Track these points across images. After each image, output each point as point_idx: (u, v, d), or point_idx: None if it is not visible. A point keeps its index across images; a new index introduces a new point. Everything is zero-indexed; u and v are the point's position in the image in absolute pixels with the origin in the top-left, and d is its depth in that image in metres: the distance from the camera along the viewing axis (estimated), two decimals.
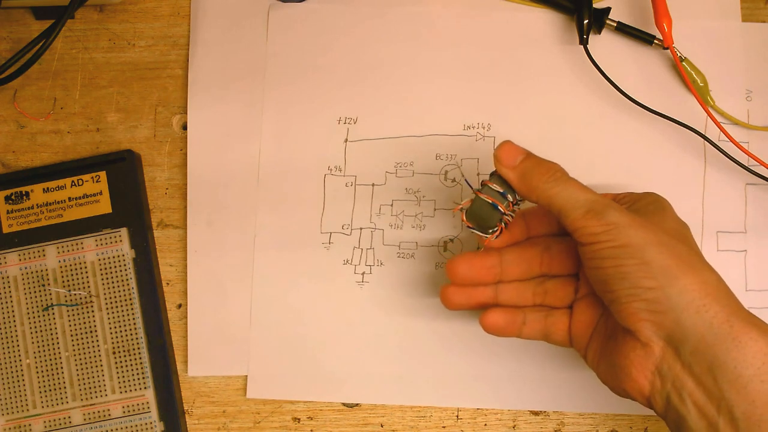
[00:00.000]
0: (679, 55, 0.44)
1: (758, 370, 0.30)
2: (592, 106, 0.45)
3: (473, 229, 0.37)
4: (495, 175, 0.37)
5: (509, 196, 0.36)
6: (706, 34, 0.46)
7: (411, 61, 0.46)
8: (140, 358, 0.43)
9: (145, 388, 0.42)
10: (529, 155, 0.36)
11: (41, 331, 0.43)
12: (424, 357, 0.44)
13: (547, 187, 0.34)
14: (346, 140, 0.45)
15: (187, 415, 0.44)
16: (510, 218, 0.37)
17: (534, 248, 0.39)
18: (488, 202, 0.36)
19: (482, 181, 0.37)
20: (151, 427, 0.42)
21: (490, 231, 0.37)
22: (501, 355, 0.44)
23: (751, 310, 0.44)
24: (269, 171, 0.45)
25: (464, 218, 0.37)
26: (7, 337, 0.43)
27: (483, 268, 0.38)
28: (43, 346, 0.43)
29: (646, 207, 0.36)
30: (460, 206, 0.37)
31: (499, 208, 0.36)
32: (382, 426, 0.44)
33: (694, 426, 0.32)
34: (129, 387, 0.42)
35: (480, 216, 0.37)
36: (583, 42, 0.44)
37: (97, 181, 0.44)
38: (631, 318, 0.33)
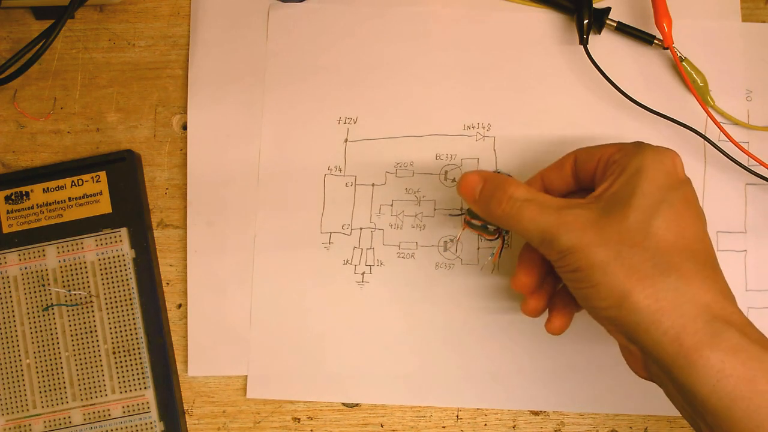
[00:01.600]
0: (679, 55, 0.44)
1: (713, 388, 0.29)
2: (592, 106, 0.45)
3: (488, 239, 0.40)
4: (470, 210, 0.39)
5: (490, 226, 0.38)
6: (706, 34, 0.46)
7: (411, 61, 0.46)
8: (140, 358, 0.43)
9: (145, 388, 0.42)
10: (485, 184, 0.36)
11: (41, 331, 0.43)
12: (424, 357, 0.44)
13: (505, 221, 0.35)
14: (346, 140, 0.45)
15: (187, 415, 0.44)
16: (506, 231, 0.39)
17: None
18: (478, 226, 0.39)
19: (464, 216, 0.39)
20: (151, 427, 0.42)
21: (497, 244, 0.39)
22: (501, 355, 0.44)
23: (751, 310, 0.44)
24: (269, 171, 0.45)
25: (475, 231, 0.40)
26: (7, 337, 0.43)
27: (534, 267, 0.38)
28: (43, 346, 0.43)
29: (621, 190, 0.33)
30: (461, 231, 0.41)
31: (487, 237, 0.39)
32: (382, 426, 0.44)
33: (683, 415, 0.33)
34: (129, 387, 0.42)
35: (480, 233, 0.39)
36: (583, 42, 0.44)
37: (97, 181, 0.44)
38: (606, 328, 0.34)
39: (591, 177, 0.37)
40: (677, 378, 0.31)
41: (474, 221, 0.38)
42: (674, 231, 0.32)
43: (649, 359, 0.33)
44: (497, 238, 0.39)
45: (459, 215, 0.40)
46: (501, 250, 0.39)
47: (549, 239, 0.33)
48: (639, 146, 0.35)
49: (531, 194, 0.34)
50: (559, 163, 0.39)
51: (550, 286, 0.39)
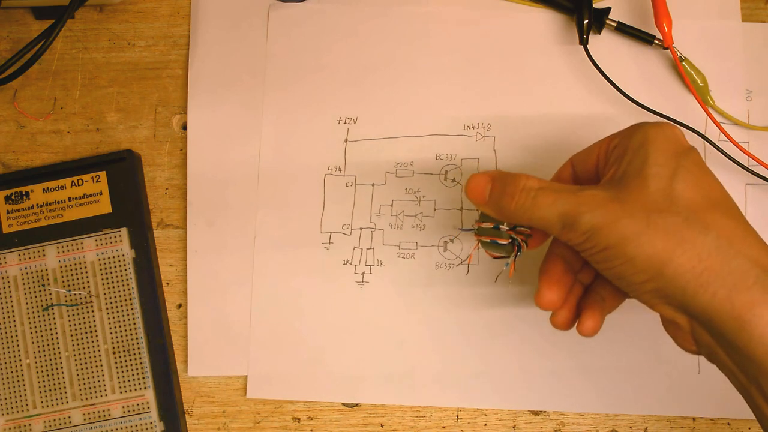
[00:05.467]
0: (679, 55, 0.44)
1: None
2: (592, 106, 0.45)
3: (500, 257, 0.37)
4: (481, 212, 0.36)
5: (502, 226, 0.35)
6: (706, 34, 0.46)
7: (411, 61, 0.46)
8: (140, 358, 0.43)
9: (145, 388, 0.42)
10: (494, 183, 0.35)
11: (41, 331, 0.43)
12: (424, 357, 0.44)
13: (520, 214, 0.33)
14: (346, 140, 0.45)
15: (187, 415, 0.44)
16: (523, 236, 0.36)
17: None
18: (488, 242, 0.36)
19: (476, 221, 0.36)
20: (151, 427, 0.42)
21: (511, 257, 0.36)
22: (501, 355, 0.44)
23: None
24: (269, 171, 0.45)
25: (487, 252, 0.37)
26: (7, 337, 0.43)
27: (560, 281, 0.36)
28: (43, 346, 0.43)
29: (629, 166, 0.32)
30: (473, 250, 0.39)
31: (500, 242, 0.36)
32: (382, 426, 0.44)
33: (734, 386, 0.32)
34: (129, 387, 0.42)
35: (493, 251, 0.36)
36: (583, 42, 0.44)
37: (97, 181, 0.44)
38: (647, 304, 0.32)
39: (593, 175, 0.36)
40: (731, 341, 0.29)
41: (485, 225, 0.36)
42: (699, 192, 0.31)
43: (698, 328, 0.31)
44: (509, 245, 0.36)
45: (470, 230, 0.38)
46: (516, 257, 0.36)
47: (570, 222, 0.31)
48: (636, 125, 0.34)
49: (544, 182, 0.33)
50: (557, 175, 0.38)
51: (576, 293, 0.37)
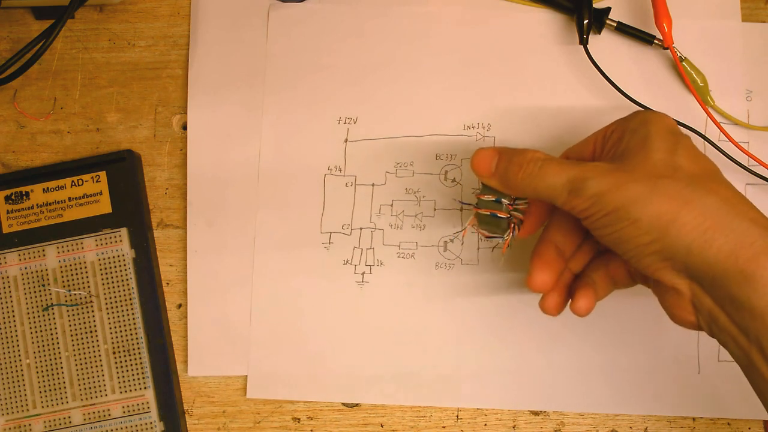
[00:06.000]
0: (679, 55, 0.44)
1: None
2: (592, 106, 0.45)
3: (492, 237, 0.38)
4: (484, 185, 0.37)
5: (504, 199, 0.37)
6: (706, 34, 0.46)
7: (411, 61, 0.46)
8: (140, 358, 0.43)
9: (145, 388, 0.42)
10: (501, 155, 0.36)
11: (41, 331, 0.43)
12: (424, 357, 0.44)
13: (527, 183, 0.34)
14: (346, 140, 0.45)
15: (187, 415, 0.44)
16: (520, 214, 0.37)
17: (565, 218, 0.38)
18: (487, 215, 0.37)
19: (476, 194, 0.37)
20: (151, 427, 0.42)
21: (506, 235, 0.37)
22: (501, 355, 0.44)
23: None
24: (269, 171, 0.45)
25: (479, 231, 0.38)
26: (7, 337, 0.43)
27: (551, 263, 0.38)
28: (43, 346, 0.43)
29: (630, 143, 0.34)
30: (468, 225, 0.38)
31: (499, 215, 0.37)
32: (382, 426, 0.44)
33: (733, 354, 0.32)
34: (129, 387, 0.42)
35: (488, 227, 0.37)
36: (583, 42, 0.44)
37: (97, 181, 0.44)
38: (648, 269, 0.33)
39: (587, 153, 0.37)
40: (734, 296, 0.30)
41: (486, 197, 0.37)
42: (698, 165, 0.33)
43: (698, 292, 0.32)
44: (504, 221, 0.37)
45: (470, 205, 0.39)
46: (511, 237, 0.37)
47: (578, 186, 0.32)
48: (633, 113, 0.36)
49: (549, 155, 0.35)
50: None
51: (566, 280, 0.38)
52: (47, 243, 0.43)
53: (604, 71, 0.44)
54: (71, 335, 0.43)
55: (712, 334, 0.33)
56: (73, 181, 0.44)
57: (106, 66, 0.46)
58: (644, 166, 0.32)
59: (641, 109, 0.35)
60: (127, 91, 0.46)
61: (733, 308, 0.31)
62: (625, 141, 0.34)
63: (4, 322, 0.43)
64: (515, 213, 0.37)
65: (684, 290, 0.33)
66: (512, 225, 0.37)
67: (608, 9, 0.45)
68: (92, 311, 0.43)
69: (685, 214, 0.31)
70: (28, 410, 0.42)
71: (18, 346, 0.43)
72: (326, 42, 0.46)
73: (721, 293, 0.31)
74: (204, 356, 0.44)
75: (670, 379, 0.43)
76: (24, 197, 0.44)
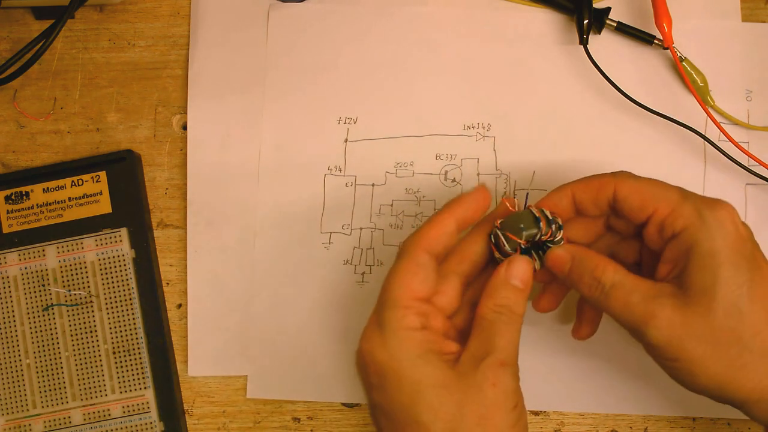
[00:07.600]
0: (679, 55, 0.44)
1: None
2: (592, 106, 0.45)
3: (504, 238, 0.36)
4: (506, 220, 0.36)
5: (554, 225, 0.36)
6: (706, 34, 0.46)
7: (411, 61, 0.46)
8: (140, 358, 0.43)
9: (145, 388, 0.42)
10: (573, 263, 0.36)
11: (41, 331, 0.43)
12: None
13: (593, 303, 0.35)
14: (346, 140, 0.45)
15: (187, 415, 0.44)
16: (550, 244, 0.36)
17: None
18: (534, 215, 0.35)
19: (494, 226, 0.36)
20: (151, 427, 0.42)
21: (520, 241, 0.35)
22: None
23: None
24: (269, 171, 0.45)
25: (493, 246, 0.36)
26: (7, 337, 0.43)
27: (558, 292, 0.40)
28: (43, 346, 0.43)
29: (699, 278, 0.33)
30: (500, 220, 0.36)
31: (541, 225, 0.35)
32: None
33: None
34: (129, 387, 0.42)
35: (517, 222, 0.35)
36: (583, 42, 0.44)
37: (97, 181, 0.44)
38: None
39: (637, 219, 0.36)
40: None
41: (508, 236, 0.35)
42: (762, 305, 0.33)
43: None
44: (522, 248, 0.36)
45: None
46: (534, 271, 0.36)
47: (640, 332, 0.34)
48: (696, 211, 0.34)
49: (618, 277, 0.34)
50: (553, 203, 0.37)
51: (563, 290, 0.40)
52: (47, 243, 0.43)
53: (604, 71, 0.44)
54: (71, 335, 0.43)
55: None
56: (73, 181, 0.44)
57: (106, 66, 0.46)
58: (708, 317, 0.32)
59: (693, 196, 0.34)
60: (127, 91, 0.46)
61: None
62: (695, 269, 0.33)
63: (4, 322, 0.43)
64: (544, 244, 0.36)
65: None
66: (536, 255, 0.37)
67: (608, 9, 0.45)
68: (92, 311, 0.43)
69: (741, 377, 0.33)
70: (28, 410, 0.42)
71: (18, 346, 0.43)
72: (326, 42, 0.46)
73: None
74: (204, 356, 0.44)
75: (670, 379, 0.43)
76: (24, 197, 0.44)
